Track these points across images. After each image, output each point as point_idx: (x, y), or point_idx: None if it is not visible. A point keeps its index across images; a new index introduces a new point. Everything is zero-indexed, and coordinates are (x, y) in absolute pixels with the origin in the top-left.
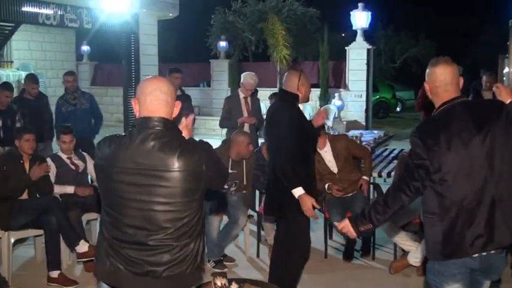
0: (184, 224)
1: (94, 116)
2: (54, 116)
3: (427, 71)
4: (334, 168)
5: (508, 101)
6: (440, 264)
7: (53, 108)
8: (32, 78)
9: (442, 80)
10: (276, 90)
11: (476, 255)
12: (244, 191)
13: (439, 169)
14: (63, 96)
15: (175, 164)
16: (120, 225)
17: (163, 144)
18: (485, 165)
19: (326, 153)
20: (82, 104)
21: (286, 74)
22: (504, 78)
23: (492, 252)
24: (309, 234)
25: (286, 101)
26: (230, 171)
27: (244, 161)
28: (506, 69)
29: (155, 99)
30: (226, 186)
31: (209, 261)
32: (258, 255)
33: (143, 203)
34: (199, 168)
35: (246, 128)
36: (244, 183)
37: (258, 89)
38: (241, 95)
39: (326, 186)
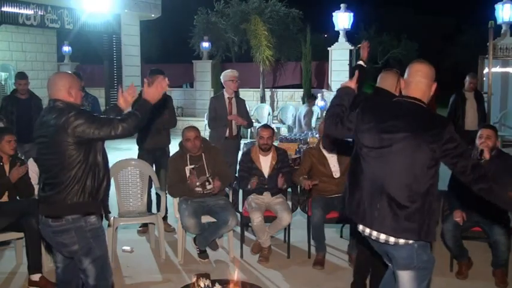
0: (61, 165)
1: None
2: None
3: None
4: (337, 173)
5: None
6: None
7: None
8: (18, 75)
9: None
10: (258, 90)
11: (367, 231)
12: (210, 186)
13: (353, 130)
14: None
15: (50, 122)
16: (40, 169)
17: (49, 112)
18: (388, 159)
19: (332, 157)
20: (83, 106)
21: (382, 73)
22: (484, 79)
23: (381, 239)
24: None
25: (385, 97)
26: (190, 166)
27: (203, 155)
28: (486, 70)
29: (51, 87)
30: (198, 184)
31: (196, 246)
32: (241, 256)
33: (42, 154)
34: (65, 125)
35: (234, 126)
36: (207, 175)
37: (240, 89)
38: (226, 95)
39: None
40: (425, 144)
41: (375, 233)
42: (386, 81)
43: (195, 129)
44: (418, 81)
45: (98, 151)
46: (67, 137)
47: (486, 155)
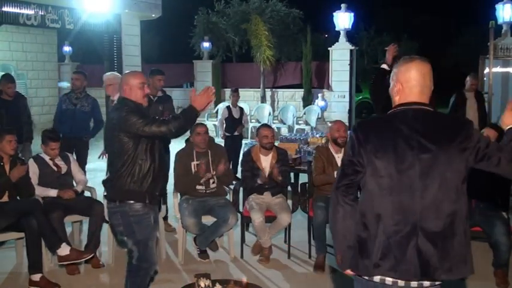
0: (116, 155)
1: (94, 120)
2: (53, 115)
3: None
4: None
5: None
6: (355, 278)
7: (36, 109)
8: (7, 78)
9: (412, 80)
10: (258, 90)
11: (378, 279)
12: (214, 185)
13: (364, 171)
14: (68, 93)
15: (109, 116)
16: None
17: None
18: (417, 186)
19: (339, 158)
20: (83, 106)
21: None
22: (485, 79)
23: (401, 284)
24: None
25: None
26: (196, 162)
27: (209, 152)
28: (486, 70)
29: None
30: (209, 175)
31: (197, 247)
32: (242, 256)
33: (107, 146)
34: (119, 120)
35: None
36: (212, 172)
37: (240, 89)
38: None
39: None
40: (456, 156)
41: (414, 283)
42: None
43: (204, 125)
44: (418, 83)
45: (147, 145)
46: (119, 130)
47: None
